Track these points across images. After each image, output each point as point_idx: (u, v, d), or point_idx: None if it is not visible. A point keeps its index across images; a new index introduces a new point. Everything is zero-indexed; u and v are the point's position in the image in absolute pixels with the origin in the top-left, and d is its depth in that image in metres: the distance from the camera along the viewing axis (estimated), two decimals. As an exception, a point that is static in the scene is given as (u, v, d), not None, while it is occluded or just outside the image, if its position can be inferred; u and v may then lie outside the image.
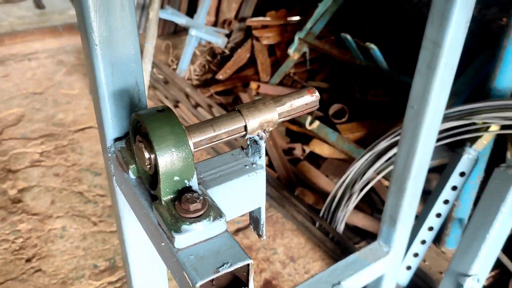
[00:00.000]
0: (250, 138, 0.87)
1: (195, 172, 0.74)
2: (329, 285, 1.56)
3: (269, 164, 2.84)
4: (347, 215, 2.27)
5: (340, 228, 2.30)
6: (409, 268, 2.08)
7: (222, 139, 0.82)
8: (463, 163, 1.94)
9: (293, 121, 3.11)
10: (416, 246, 2.05)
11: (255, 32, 3.91)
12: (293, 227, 2.45)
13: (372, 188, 2.42)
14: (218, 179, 0.86)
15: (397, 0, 3.03)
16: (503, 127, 1.80)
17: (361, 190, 2.21)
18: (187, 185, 0.73)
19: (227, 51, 4.14)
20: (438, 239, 2.30)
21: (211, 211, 0.72)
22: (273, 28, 3.96)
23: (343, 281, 1.57)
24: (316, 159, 2.88)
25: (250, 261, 0.69)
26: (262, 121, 0.82)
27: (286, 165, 2.76)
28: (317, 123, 2.86)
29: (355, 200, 2.22)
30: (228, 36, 4.21)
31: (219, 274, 0.66)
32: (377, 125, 2.76)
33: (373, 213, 2.43)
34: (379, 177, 2.15)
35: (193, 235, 0.69)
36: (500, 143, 1.94)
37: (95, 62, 0.74)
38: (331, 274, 1.59)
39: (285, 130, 3.16)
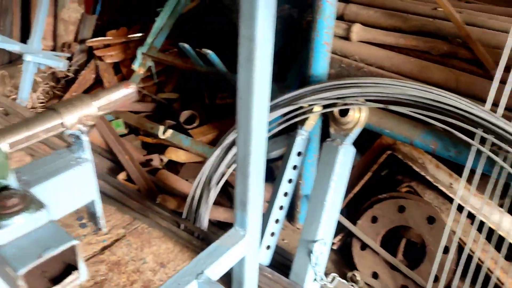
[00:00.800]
0: (72, 134, 0.91)
1: (10, 171, 0.75)
2: (194, 275, 1.62)
3: (128, 179, 2.83)
4: (208, 211, 2.37)
5: (204, 225, 2.39)
6: (268, 247, 2.25)
7: (40, 137, 0.84)
8: (298, 144, 2.17)
9: (147, 133, 3.13)
10: (272, 226, 2.23)
11: (97, 52, 3.85)
12: (160, 234, 2.47)
13: (227, 182, 2.56)
14: (43, 177, 0.88)
15: (224, 11, 3.27)
16: (324, 106, 2.07)
17: (217, 185, 2.32)
18: (3, 184, 0.75)
19: (71, 74, 4.00)
20: (292, 218, 2.52)
21: (32, 204, 0.74)
22: (116, 46, 3.94)
23: (206, 269, 1.65)
24: (175, 166, 2.94)
25: (75, 242, 0.73)
26: (80, 116, 0.87)
27: (145, 176, 2.77)
28: (170, 131, 2.93)
29: (212, 195, 2.33)
30: (69, 59, 4.07)
31: (43, 258, 0.69)
32: (224, 125, 2.93)
33: (232, 206, 2.58)
34: (231, 170, 2.29)
35: (13, 229, 0.70)
36: (327, 122, 2.20)
37: None
38: (195, 265, 1.66)
39: (141, 143, 3.18)
